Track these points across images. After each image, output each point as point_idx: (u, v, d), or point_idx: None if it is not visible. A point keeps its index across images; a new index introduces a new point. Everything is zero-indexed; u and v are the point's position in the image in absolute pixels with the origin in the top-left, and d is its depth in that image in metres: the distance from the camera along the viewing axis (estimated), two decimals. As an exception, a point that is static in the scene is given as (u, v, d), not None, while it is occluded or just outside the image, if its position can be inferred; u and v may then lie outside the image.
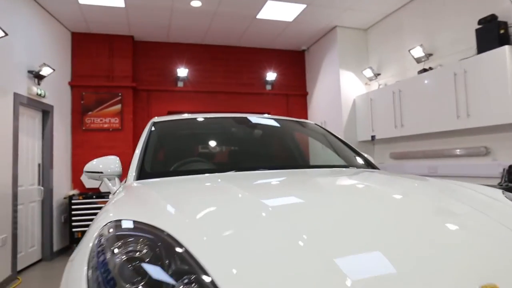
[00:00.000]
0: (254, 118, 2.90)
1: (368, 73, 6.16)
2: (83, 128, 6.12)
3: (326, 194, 1.47)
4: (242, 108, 6.93)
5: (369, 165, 2.44)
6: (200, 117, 2.81)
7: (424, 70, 5.01)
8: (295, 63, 7.52)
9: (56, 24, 5.74)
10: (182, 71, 6.74)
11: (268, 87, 7.33)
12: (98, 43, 6.31)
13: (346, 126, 6.23)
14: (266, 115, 3.07)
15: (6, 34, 3.81)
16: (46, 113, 5.42)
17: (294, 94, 7.48)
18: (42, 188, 5.31)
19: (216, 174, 1.89)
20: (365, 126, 6.06)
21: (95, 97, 6.23)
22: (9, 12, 4.49)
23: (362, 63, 6.33)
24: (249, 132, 2.84)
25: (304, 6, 5.45)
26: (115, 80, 6.34)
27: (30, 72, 4.86)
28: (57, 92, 5.66)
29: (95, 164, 2.22)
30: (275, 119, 2.92)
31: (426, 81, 4.86)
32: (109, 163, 2.23)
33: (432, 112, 4.73)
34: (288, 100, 7.45)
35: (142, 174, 1.93)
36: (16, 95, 4.56)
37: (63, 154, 5.85)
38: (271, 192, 1.51)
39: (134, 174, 1.93)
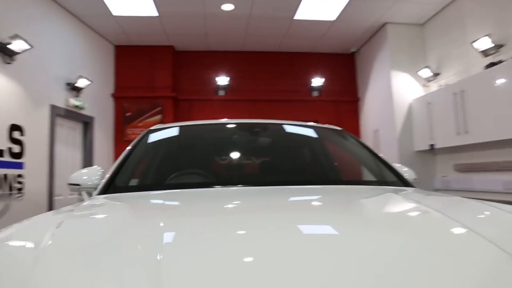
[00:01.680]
0: (261, 124, 2.50)
1: (426, 73, 5.39)
2: (124, 138, 6.16)
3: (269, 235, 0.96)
4: (286, 116, 6.45)
5: (402, 181, 1.86)
6: (200, 123, 2.51)
7: (492, 64, 4.17)
8: (344, 66, 6.93)
9: (99, 39, 5.89)
10: (223, 80, 6.54)
11: (315, 94, 6.82)
12: (140, 54, 6.37)
13: (400, 134, 5.49)
14: (279, 121, 2.59)
15: (32, 47, 3.88)
16: (86, 124, 5.52)
17: (344, 101, 6.87)
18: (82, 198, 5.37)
19: (190, 190, 1.60)
20: (422, 133, 5.27)
21: (136, 108, 6.27)
22: (49, 27, 4.64)
23: (418, 62, 5.56)
24: (251, 140, 2.44)
25: (345, 1, 4.92)
26: (156, 90, 6.33)
27: (68, 84, 4.97)
28: (98, 103, 5.77)
29: (75, 176, 1.99)
30: (288, 124, 2.48)
31: (495, 77, 4.03)
32: (91, 174, 1.98)
33: (504, 114, 3.88)
34: (338, 107, 6.86)
35: (111, 188, 1.68)
36: (52, 107, 4.67)
37: (104, 165, 5.90)
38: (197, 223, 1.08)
39: (100, 187, 1.69)
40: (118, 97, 6.28)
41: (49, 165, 4.55)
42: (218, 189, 1.65)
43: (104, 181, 1.75)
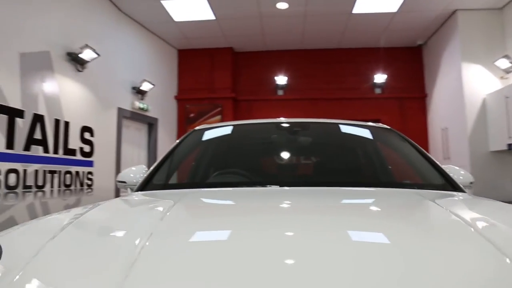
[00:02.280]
0: (304, 123, 2.45)
1: (504, 63, 4.83)
2: (186, 139, 6.42)
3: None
4: (347, 115, 6.27)
5: (452, 186, 1.69)
6: (245, 123, 2.54)
7: None
8: (410, 61, 6.49)
9: (163, 44, 6.23)
10: (281, 79, 6.52)
11: (377, 91, 6.49)
12: (201, 57, 6.59)
13: (472, 133, 4.98)
14: (325, 120, 2.51)
15: (99, 55, 4.21)
16: (151, 125, 5.87)
17: (410, 97, 6.44)
18: (147, 194, 5.74)
19: (222, 189, 1.65)
20: (499, 131, 4.73)
21: (197, 109, 6.51)
22: (116, 36, 5.02)
23: (495, 52, 4.99)
24: (292, 139, 2.39)
25: (407, -10, 4.61)
26: (216, 92, 6.51)
27: (133, 88, 5.33)
28: (162, 105, 6.10)
29: (123, 174, 2.12)
30: (334, 123, 2.39)
31: None
32: (136, 172, 2.10)
33: None
34: (402, 104, 6.45)
35: (148, 185, 1.79)
36: (119, 110, 5.04)
37: (167, 164, 6.24)
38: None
39: (138, 185, 1.81)
40: (181, 99, 6.58)
41: (116, 163, 4.92)
42: (251, 189, 1.64)
43: (142, 179, 1.85)
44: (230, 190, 1.62)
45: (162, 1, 4.90)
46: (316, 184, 1.72)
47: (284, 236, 0.86)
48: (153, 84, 5.50)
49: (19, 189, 3.35)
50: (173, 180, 2.10)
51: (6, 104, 3.21)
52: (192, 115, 6.50)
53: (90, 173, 4.36)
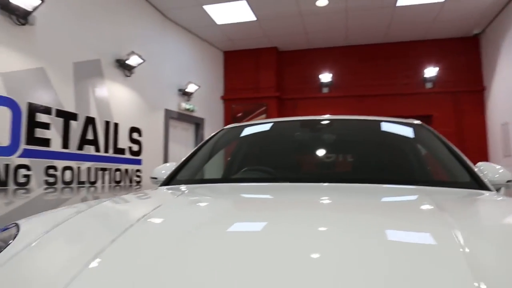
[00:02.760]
0: (331, 120, 2.45)
1: None
2: (232, 138, 6.61)
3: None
4: (395, 111, 6.06)
5: (479, 184, 1.63)
6: (275, 121, 2.60)
7: None
8: (464, 52, 6.07)
9: (208, 46, 6.46)
10: (326, 77, 6.45)
11: (428, 85, 6.16)
12: (246, 58, 6.73)
13: (534, 128, 4.55)
14: (353, 116, 2.50)
15: (144, 60, 4.51)
16: (198, 125, 6.13)
17: (465, 91, 6.02)
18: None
19: (239, 184, 1.78)
20: None
21: (243, 109, 6.66)
22: (163, 41, 5.33)
23: (561, 38, 4.51)
24: (316, 136, 2.41)
25: (455, -22, 4.33)
26: (261, 91, 6.62)
27: (180, 90, 5.61)
28: (208, 106, 6.34)
29: (156, 170, 2.29)
30: (363, 120, 2.40)
31: None
32: (167, 168, 2.25)
33: None
34: (457, 98, 6.06)
35: (173, 181, 1.94)
36: (166, 111, 5.34)
37: (212, 161, 6.47)
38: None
39: (163, 180, 1.97)
40: (227, 99, 6.78)
41: (163, 161, 5.22)
42: (265, 184, 1.70)
43: (167, 175, 2.00)
44: (243, 185, 1.70)
45: (204, 6, 5.10)
46: (339, 180, 1.74)
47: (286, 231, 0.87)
48: (198, 86, 5.75)
49: (74, 185, 3.72)
50: (199, 176, 2.22)
51: (61, 109, 3.58)
52: (239, 114, 6.67)
53: (138, 170, 4.68)
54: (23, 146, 3.18)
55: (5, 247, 0.86)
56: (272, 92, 6.55)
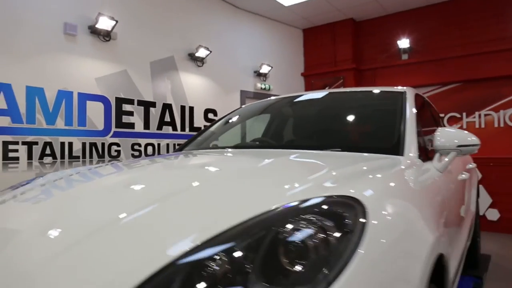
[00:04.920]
0: (322, 95, 2.89)
1: None
2: (312, 112, 6.96)
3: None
4: (489, 71, 5.50)
5: (395, 151, 1.88)
6: (270, 100, 3.14)
7: None
8: None
9: (286, 27, 6.88)
10: (404, 42, 6.14)
11: (530, 38, 5.26)
12: (323, 33, 6.89)
13: None
14: (341, 89, 2.89)
15: (210, 52, 5.30)
16: (276, 102, 6.70)
17: None
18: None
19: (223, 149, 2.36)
20: None
21: (322, 83, 6.91)
22: (234, 28, 6.04)
23: None
24: (307, 110, 2.86)
25: None
26: (338, 64, 6.73)
27: (255, 72, 6.27)
28: (287, 83, 6.83)
29: None
30: (336, 93, 2.81)
31: None
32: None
33: None
34: None
35: (188, 146, 2.72)
36: (242, 92, 6.10)
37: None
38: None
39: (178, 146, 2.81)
40: (307, 75, 7.11)
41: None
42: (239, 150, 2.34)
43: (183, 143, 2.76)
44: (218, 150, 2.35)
45: (265, -7, 5.56)
46: (285, 147, 2.28)
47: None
48: (271, 66, 6.30)
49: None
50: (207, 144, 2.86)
51: (142, 99, 4.71)
52: (316, 89, 6.96)
53: (214, 144, 5.61)
54: (113, 129, 4.41)
55: None
56: (348, 64, 6.60)
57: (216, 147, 2.58)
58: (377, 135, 2.24)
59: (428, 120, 2.94)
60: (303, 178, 1.26)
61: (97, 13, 4.12)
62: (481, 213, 5.48)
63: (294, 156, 1.81)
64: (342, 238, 0.87)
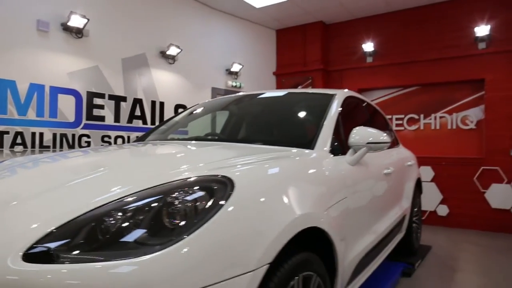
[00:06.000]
0: (264, 94, 3.21)
1: None
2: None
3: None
4: (444, 76, 5.90)
5: (306, 145, 2.18)
6: (221, 98, 3.47)
7: None
8: (523, 5, 5.33)
9: (259, 28, 7.17)
10: (368, 46, 6.49)
11: (481, 46, 5.65)
12: (295, 34, 7.20)
13: None
14: (277, 92, 3.24)
15: (181, 50, 5.56)
16: (247, 99, 7.01)
17: (524, 49, 5.35)
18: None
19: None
20: None
21: (292, 82, 7.23)
22: (205, 27, 6.30)
23: None
24: (248, 108, 3.19)
25: None
26: (307, 65, 7.06)
27: (226, 70, 6.55)
28: (258, 82, 7.13)
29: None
30: (278, 96, 3.13)
31: None
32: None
33: None
34: (514, 58, 5.44)
35: (141, 138, 3.03)
36: (213, 89, 6.38)
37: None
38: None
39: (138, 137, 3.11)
40: (278, 74, 7.43)
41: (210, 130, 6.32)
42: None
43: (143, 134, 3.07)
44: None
45: (236, -5, 5.83)
46: (224, 140, 2.59)
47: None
48: (242, 65, 6.59)
49: (127, 149, 5.11)
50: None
51: (113, 93, 4.95)
52: (287, 87, 7.27)
53: (184, 138, 5.88)
54: (84, 121, 4.65)
55: None
56: (317, 65, 6.93)
57: (166, 138, 2.86)
58: (298, 131, 2.58)
59: (363, 120, 3.29)
60: (201, 162, 1.58)
61: (69, 12, 4.35)
62: (432, 209, 5.89)
63: (216, 147, 2.12)
64: (210, 204, 1.23)
